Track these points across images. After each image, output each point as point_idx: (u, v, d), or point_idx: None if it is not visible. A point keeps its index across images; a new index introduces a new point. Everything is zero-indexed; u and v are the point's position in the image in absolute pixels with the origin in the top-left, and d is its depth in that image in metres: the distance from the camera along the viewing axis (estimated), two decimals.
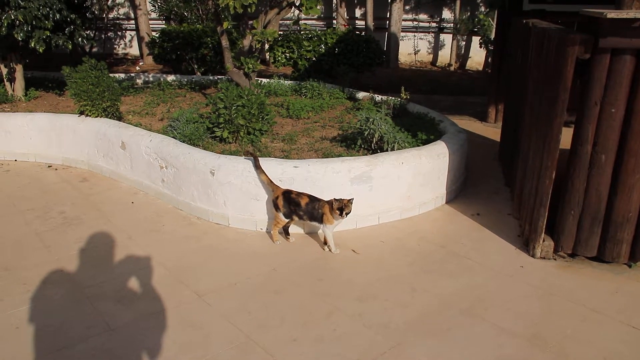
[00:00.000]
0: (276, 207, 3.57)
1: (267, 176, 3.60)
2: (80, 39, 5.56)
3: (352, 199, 3.41)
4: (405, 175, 3.99)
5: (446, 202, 4.42)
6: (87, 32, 6.33)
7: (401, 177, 3.97)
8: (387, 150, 4.18)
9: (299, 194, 3.52)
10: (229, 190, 3.84)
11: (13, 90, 5.93)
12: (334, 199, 3.40)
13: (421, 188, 4.14)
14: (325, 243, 3.56)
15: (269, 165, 3.74)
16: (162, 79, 7.15)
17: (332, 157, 4.09)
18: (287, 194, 3.55)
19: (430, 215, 4.18)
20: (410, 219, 4.09)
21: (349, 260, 3.44)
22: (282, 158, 3.99)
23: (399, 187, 4.00)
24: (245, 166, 3.78)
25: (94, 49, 12.58)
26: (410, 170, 4.00)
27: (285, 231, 3.72)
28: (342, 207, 3.32)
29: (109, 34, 13.62)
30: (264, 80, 6.80)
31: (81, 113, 5.02)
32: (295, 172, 3.71)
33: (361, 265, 3.39)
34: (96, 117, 4.97)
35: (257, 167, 3.62)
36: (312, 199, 3.49)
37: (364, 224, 3.94)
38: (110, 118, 5.00)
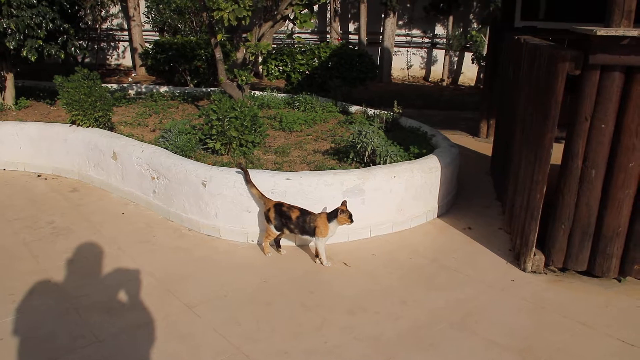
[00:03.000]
0: (268, 220, 3.57)
1: (257, 190, 3.61)
2: (73, 49, 5.52)
3: (345, 200, 3.45)
4: (397, 188, 3.99)
5: (438, 216, 4.43)
6: (80, 42, 6.31)
7: (393, 190, 3.98)
8: (379, 164, 4.19)
9: (291, 207, 3.52)
10: (221, 202, 3.85)
11: (3, 99, 5.90)
12: (340, 209, 3.40)
13: (413, 201, 4.14)
14: (317, 255, 3.56)
15: (261, 177, 3.74)
16: (154, 90, 7.13)
17: (325, 169, 4.10)
18: (279, 206, 3.55)
19: (422, 228, 4.19)
20: (402, 233, 4.09)
21: (340, 273, 3.43)
22: (275, 170, 3.99)
23: (391, 201, 4.01)
24: (237, 178, 3.79)
25: (87, 59, 12.52)
26: (402, 184, 4.01)
27: (276, 243, 3.73)
28: (350, 214, 3.38)
29: (102, 45, 13.59)
30: (257, 93, 6.82)
31: (72, 123, 5.01)
32: (287, 185, 3.71)
33: (352, 278, 3.38)
34: (88, 127, 4.97)
35: (248, 181, 3.63)
36: (303, 213, 3.50)
37: (355, 237, 3.94)
38: (102, 128, 5.01)
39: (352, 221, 3.41)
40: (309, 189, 3.72)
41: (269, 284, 3.27)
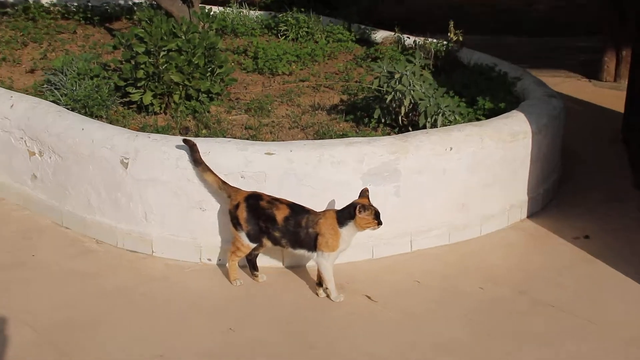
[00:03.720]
0: (235, 224, 3.55)
1: (214, 174, 3.62)
2: None
3: (366, 189, 3.50)
4: (456, 168, 3.99)
5: (528, 216, 4.45)
6: None
7: (449, 172, 3.98)
8: (424, 128, 4.19)
9: (274, 202, 3.53)
10: (154, 194, 3.83)
11: None
12: (359, 204, 3.37)
13: (484, 191, 4.16)
14: (320, 283, 3.53)
15: (224, 152, 3.73)
16: (31, 1, 6.85)
17: (332, 138, 4.13)
18: (254, 200, 3.54)
19: (501, 237, 4.19)
20: (467, 244, 4.10)
21: (361, 315, 3.39)
22: (247, 140, 3.99)
23: (446, 190, 4.02)
24: (181, 153, 3.74)
25: None
26: (464, 161, 4.00)
27: (250, 264, 3.70)
28: (377, 212, 3.38)
29: None
30: (216, 9, 6.81)
31: None
32: (268, 163, 3.70)
33: (383, 323, 3.32)
34: None
35: (197, 161, 3.66)
36: (296, 211, 3.50)
37: (385, 252, 3.95)
38: None
39: (379, 223, 3.40)
40: (305, 171, 3.71)
41: (239, 335, 3.21)
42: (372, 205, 3.37)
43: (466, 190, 4.08)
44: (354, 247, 3.62)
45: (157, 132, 4.09)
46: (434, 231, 4.04)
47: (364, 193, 3.43)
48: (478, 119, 4.34)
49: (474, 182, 4.08)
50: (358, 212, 3.34)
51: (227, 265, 3.69)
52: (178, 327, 3.26)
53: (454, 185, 4.03)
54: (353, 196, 3.56)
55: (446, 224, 4.08)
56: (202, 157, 3.67)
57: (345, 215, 3.41)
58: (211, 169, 3.63)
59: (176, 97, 4.51)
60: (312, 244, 3.45)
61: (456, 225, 4.11)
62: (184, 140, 3.73)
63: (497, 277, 3.76)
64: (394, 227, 3.86)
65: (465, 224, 4.14)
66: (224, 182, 3.61)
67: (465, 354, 3.09)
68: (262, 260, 3.77)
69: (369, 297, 3.52)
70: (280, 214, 3.47)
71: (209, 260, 3.84)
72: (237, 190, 3.59)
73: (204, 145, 3.70)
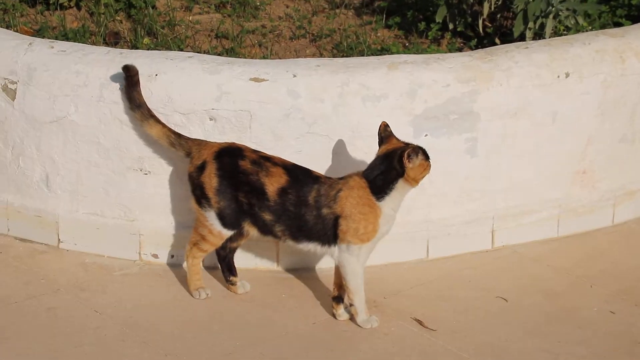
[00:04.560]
0: (199, 197, 3.58)
1: (162, 125, 3.66)
2: None
3: (385, 123, 3.55)
4: (575, 110, 4.03)
5: None
6: None
7: (563, 115, 4.01)
8: (522, 39, 4.29)
9: (263, 161, 3.54)
10: (61, 145, 3.84)
11: None
12: (403, 149, 3.40)
13: (622, 150, 4.25)
14: (341, 298, 3.56)
15: (183, 75, 3.75)
16: None
17: (363, 55, 4.21)
18: (230, 158, 3.55)
19: None
20: (589, 239, 4.17)
21: (406, 353, 3.37)
22: (219, 55, 4.06)
23: (556, 146, 4.07)
24: (109, 76, 3.74)
25: None
26: (591, 97, 4.03)
27: (224, 264, 3.73)
28: (423, 149, 3.45)
29: None
30: None
31: None
32: (255, 97, 3.70)
33: None
34: None
35: (134, 101, 3.67)
36: (302, 176, 3.54)
37: (450, 248, 4.03)
38: None
39: (429, 165, 3.49)
40: (319, 111, 3.73)
41: None
42: (415, 146, 3.40)
43: (591, 149, 4.08)
44: (396, 238, 3.66)
45: (66, 38, 4.16)
46: (533, 215, 4.05)
47: (386, 131, 3.45)
48: (617, 25, 4.40)
49: (606, 135, 4.10)
50: (408, 160, 3.31)
51: (184, 265, 3.66)
52: None
53: (571, 139, 4.04)
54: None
55: (554, 205, 4.09)
56: (141, 95, 3.64)
57: (385, 176, 3.39)
58: (156, 116, 3.61)
59: None
60: (328, 233, 3.41)
61: (571, 207, 4.13)
62: (124, 68, 3.67)
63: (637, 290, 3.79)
64: (464, 207, 3.92)
65: (587, 204, 4.16)
66: (178, 135, 3.60)
67: None
68: (243, 259, 3.73)
69: (420, 323, 3.47)
70: (273, 183, 3.41)
71: (155, 257, 3.83)
72: (201, 143, 3.57)
73: (146, 64, 3.67)
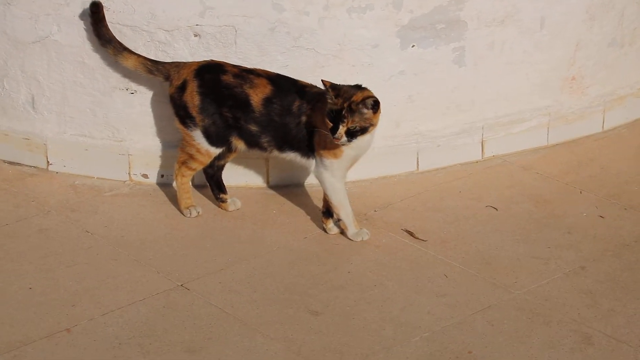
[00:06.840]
0: (183, 117, 3.59)
1: (135, 55, 3.64)
2: None
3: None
4: (563, 13, 4.02)
5: None
6: None
7: (551, 20, 4.02)
8: None
9: (246, 74, 3.56)
10: (46, 66, 3.82)
11: None
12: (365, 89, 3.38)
13: (612, 54, 4.25)
14: (330, 214, 3.57)
15: None
16: None
17: None
18: (212, 74, 3.57)
19: None
20: (578, 145, 4.23)
21: (397, 263, 3.40)
22: None
23: (544, 52, 4.08)
24: None
25: None
26: (579, 0, 4.04)
27: (214, 182, 3.76)
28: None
29: None
30: None
31: None
32: (237, 9, 3.68)
33: (432, 279, 3.32)
34: None
35: (103, 36, 3.65)
36: (285, 85, 3.54)
37: (440, 159, 4.03)
38: None
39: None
40: (304, 24, 3.71)
41: (194, 293, 3.22)
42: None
43: (580, 54, 4.10)
44: (385, 151, 3.75)
45: None
46: (523, 124, 4.09)
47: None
48: None
49: (595, 39, 4.11)
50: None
51: (174, 184, 3.69)
52: (91, 291, 3.20)
53: (559, 45, 4.05)
54: (383, 65, 3.71)
55: (544, 113, 4.12)
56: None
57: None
58: (128, 48, 3.59)
59: None
60: (308, 142, 3.44)
61: (561, 114, 4.16)
62: (92, 5, 3.65)
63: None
64: (453, 118, 3.95)
65: (576, 111, 4.18)
66: (154, 62, 3.60)
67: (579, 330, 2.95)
68: (233, 177, 3.77)
69: (410, 234, 3.51)
70: (258, 93, 3.43)
71: (145, 176, 3.85)
72: (179, 64, 3.57)
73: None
